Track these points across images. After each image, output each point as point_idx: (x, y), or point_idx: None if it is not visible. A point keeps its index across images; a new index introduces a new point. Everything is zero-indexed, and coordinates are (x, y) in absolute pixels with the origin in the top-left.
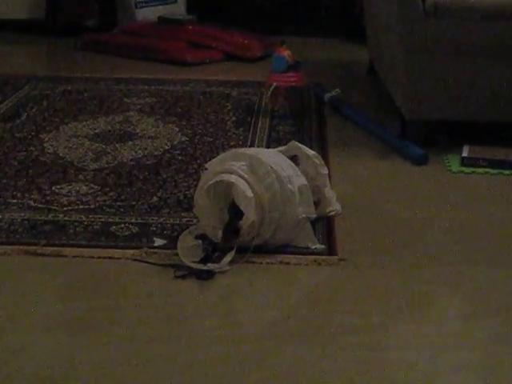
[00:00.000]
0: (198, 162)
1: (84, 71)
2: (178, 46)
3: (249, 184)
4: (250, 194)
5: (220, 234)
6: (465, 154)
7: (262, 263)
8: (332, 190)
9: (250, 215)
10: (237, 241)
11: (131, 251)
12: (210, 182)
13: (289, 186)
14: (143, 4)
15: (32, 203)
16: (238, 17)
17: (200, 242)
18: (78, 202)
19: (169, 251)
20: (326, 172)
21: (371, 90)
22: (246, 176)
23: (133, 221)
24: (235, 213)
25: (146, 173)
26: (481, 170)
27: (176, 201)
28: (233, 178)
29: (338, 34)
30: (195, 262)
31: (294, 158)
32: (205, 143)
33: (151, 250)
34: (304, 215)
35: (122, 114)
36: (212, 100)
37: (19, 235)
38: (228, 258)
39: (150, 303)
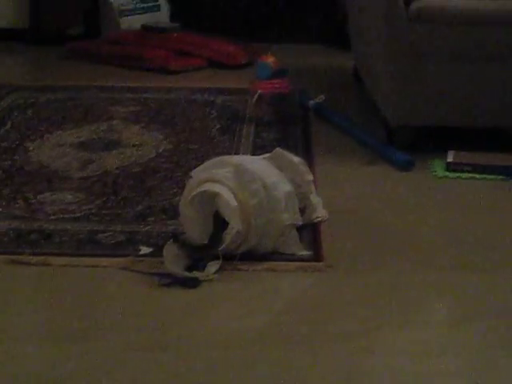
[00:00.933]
0: (184, 169)
1: (68, 80)
2: (161, 53)
3: (233, 192)
4: (234, 203)
5: (205, 245)
6: (450, 159)
7: (248, 270)
8: (318, 196)
9: (235, 225)
10: (222, 250)
11: (117, 259)
12: (194, 193)
13: (274, 192)
14: (127, 12)
15: (17, 212)
16: (222, 24)
17: (185, 251)
18: (64, 211)
19: (155, 259)
20: (312, 178)
21: (356, 96)
22: (230, 184)
23: (119, 229)
24: (220, 222)
25: (132, 181)
26: (465, 175)
27: (162, 209)
28: (217, 188)
29: (323, 40)
30: (181, 270)
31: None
32: (190, 151)
33: (137, 258)
34: (290, 222)
35: (106, 123)
36: (196, 107)
37: (4, 244)
38: (214, 267)
39: (136, 311)
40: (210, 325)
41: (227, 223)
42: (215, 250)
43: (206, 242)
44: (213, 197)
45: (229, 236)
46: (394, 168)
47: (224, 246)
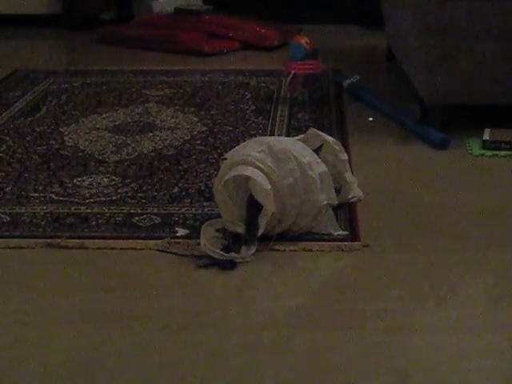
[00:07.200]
0: (219, 151)
1: (102, 64)
2: (195, 36)
3: (266, 175)
4: (267, 186)
5: (241, 229)
6: (486, 137)
7: (284, 250)
8: (353, 175)
9: (270, 207)
10: (258, 235)
11: (154, 242)
12: (226, 177)
13: (309, 172)
14: None
15: (54, 196)
16: (255, 6)
17: (220, 234)
18: (100, 194)
19: (191, 241)
20: (346, 158)
21: (390, 76)
22: (263, 167)
23: (155, 211)
24: (255, 206)
25: (167, 163)
26: (502, 153)
27: (197, 191)
28: (249, 171)
29: (356, 20)
30: (218, 252)
31: (317, 150)
32: (224, 132)
33: (174, 240)
34: (326, 202)
35: (141, 106)
36: (231, 89)
37: (42, 228)
38: (250, 249)
39: (173, 293)
40: (246, 306)
41: (261, 207)
42: (253, 236)
43: (241, 225)
44: (246, 180)
45: (264, 219)
46: (429, 147)
47: (261, 231)
